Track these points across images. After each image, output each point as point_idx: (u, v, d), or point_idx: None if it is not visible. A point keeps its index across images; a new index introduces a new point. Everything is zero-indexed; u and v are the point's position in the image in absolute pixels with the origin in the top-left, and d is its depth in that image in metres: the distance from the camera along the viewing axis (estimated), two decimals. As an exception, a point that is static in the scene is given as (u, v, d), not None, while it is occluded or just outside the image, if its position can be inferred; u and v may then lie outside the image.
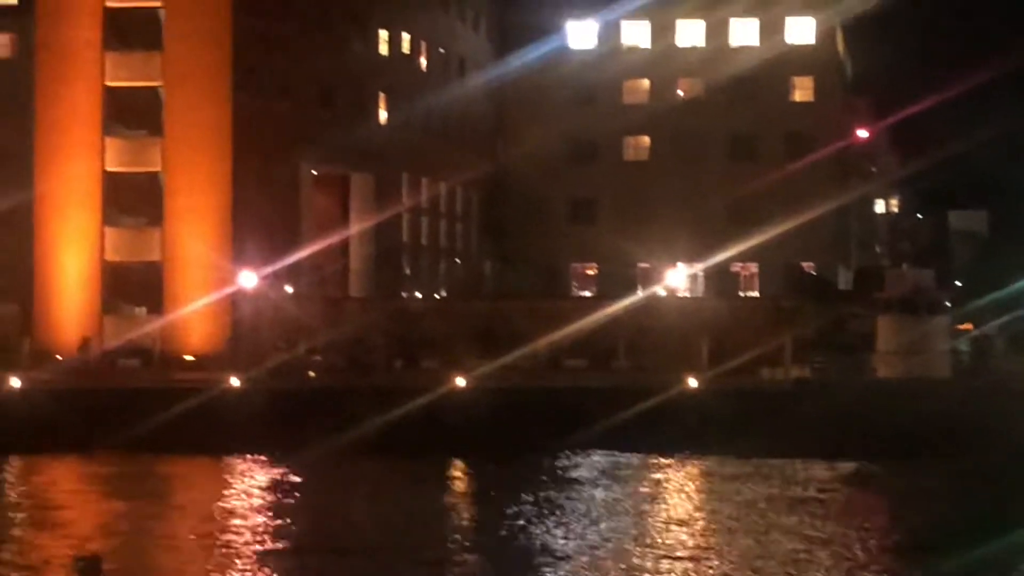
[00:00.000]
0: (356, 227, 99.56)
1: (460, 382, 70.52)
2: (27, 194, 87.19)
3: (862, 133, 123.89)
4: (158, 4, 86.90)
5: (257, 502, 55.03)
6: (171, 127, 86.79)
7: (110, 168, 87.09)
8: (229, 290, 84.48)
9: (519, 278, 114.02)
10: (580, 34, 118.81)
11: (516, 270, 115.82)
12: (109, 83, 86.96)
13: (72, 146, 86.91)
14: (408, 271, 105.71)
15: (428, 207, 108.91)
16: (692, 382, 70.27)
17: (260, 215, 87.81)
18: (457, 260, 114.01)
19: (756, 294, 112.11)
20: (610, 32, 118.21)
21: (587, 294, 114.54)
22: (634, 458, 65.25)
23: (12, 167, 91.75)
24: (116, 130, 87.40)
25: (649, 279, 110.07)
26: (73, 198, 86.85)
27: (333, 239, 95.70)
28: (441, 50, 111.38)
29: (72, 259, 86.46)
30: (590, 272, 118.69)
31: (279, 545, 45.55)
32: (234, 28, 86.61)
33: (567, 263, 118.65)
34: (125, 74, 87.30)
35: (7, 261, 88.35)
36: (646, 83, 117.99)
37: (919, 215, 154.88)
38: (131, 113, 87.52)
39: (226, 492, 57.44)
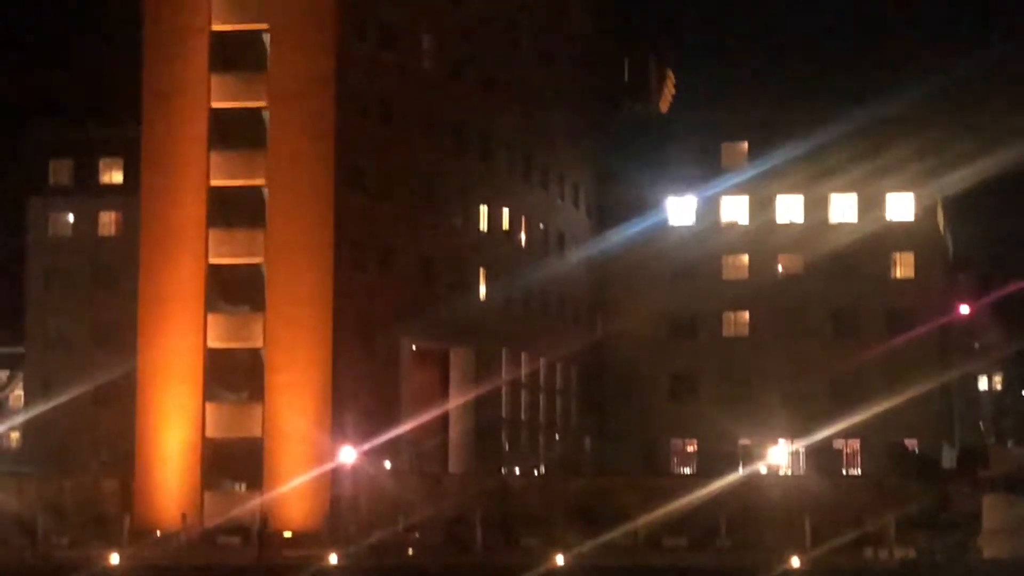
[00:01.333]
0: (455, 402, 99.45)
1: (559, 561, 69.73)
2: (131, 369, 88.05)
3: (964, 309, 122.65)
4: (261, 183, 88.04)
5: None
6: (273, 303, 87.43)
7: (212, 344, 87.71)
8: (329, 466, 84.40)
9: (618, 454, 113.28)
10: (679, 210, 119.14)
11: (615, 446, 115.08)
12: (213, 260, 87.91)
13: (175, 322, 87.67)
14: (507, 446, 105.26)
15: (527, 382, 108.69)
16: (795, 562, 69.07)
17: (360, 390, 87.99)
18: (556, 436, 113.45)
19: (859, 472, 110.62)
20: (709, 208, 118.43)
21: (687, 471, 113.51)
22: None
23: (116, 342, 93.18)
24: (219, 306, 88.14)
25: (750, 456, 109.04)
26: (175, 373, 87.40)
27: (432, 414, 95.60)
28: (541, 225, 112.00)
29: (173, 434, 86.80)
30: (690, 448, 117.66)
31: None
32: (337, 205, 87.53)
33: (667, 439, 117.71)
34: (228, 251, 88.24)
35: (110, 436, 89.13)
36: (746, 258, 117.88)
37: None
38: (234, 289, 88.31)
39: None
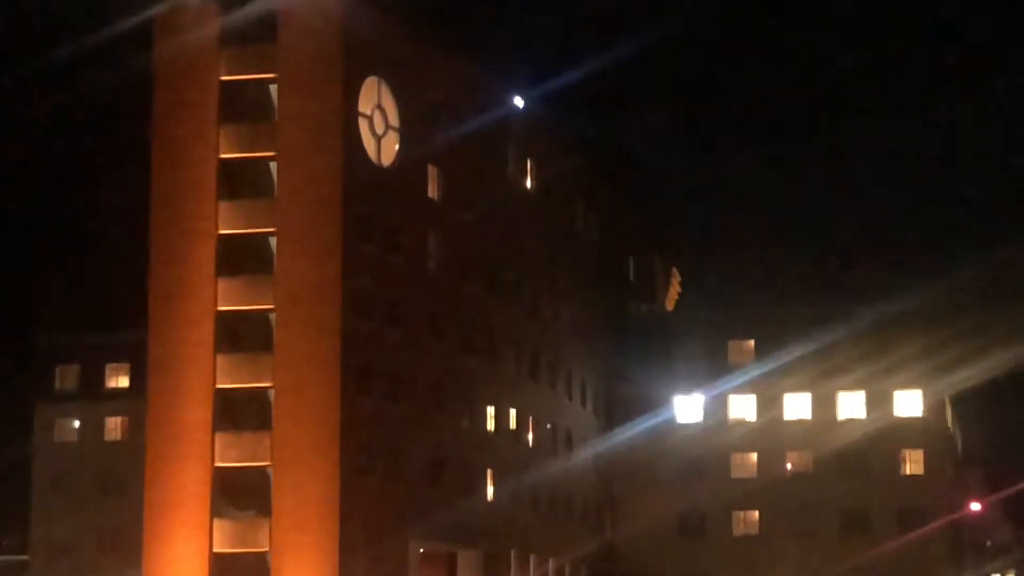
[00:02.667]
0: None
1: None
2: (136, 575, 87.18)
3: (975, 506, 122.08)
4: (268, 385, 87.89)
5: None
6: (278, 507, 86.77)
7: (218, 549, 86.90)
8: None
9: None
10: (687, 407, 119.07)
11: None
12: (219, 463, 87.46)
13: (180, 527, 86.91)
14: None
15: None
16: None
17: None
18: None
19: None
20: (717, 405, 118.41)
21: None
22: None
23: (122, 548, 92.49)
24: (225, 510, 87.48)
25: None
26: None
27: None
28: (548, 424, 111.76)
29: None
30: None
31: None
32: (343, 407, 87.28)
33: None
34: (235, 454, 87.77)
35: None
36: (754, 456, 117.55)
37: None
38: (240, 493, 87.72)
39: None
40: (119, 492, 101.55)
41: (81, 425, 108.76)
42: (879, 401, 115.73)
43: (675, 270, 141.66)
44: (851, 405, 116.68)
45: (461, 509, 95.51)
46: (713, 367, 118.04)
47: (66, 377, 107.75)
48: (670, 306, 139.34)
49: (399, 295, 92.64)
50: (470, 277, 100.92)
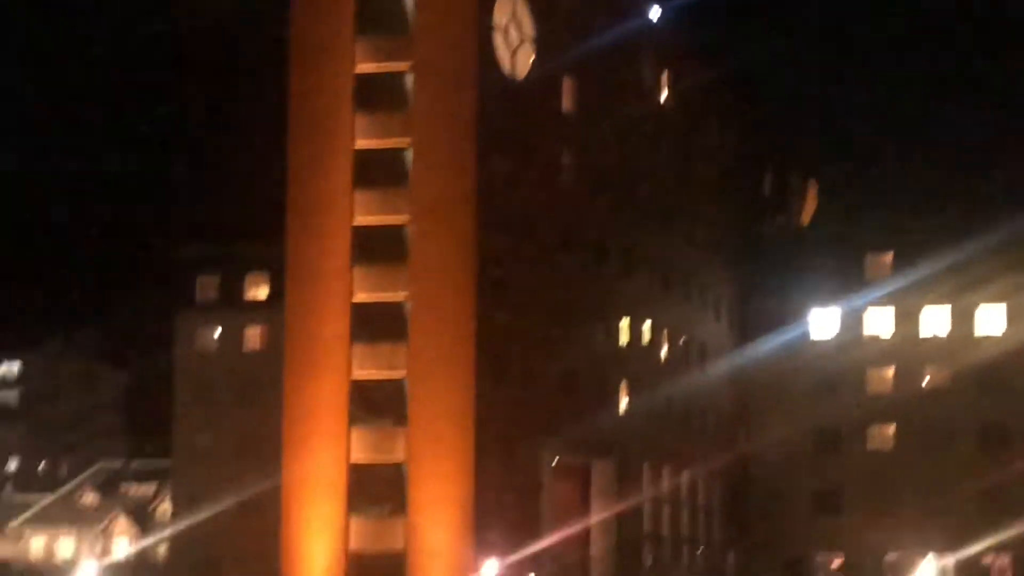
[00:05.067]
0: (597, 516, 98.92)
1: None
2: (275, 482, 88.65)
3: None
4: (403, 298, 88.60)
5: None
6: (415, 417, 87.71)
7: (355, 458, 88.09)
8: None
9: (763, 569, 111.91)
10: (822, 323, 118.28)
11: (759, 561, 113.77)
12: (356, 375, 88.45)
13: (319, 436, 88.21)
14: (650, 561, 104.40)
15: (669, 496, 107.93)
16: None
17: (502, 504, 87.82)
18: (699, 550, 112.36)
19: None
20: (852, 320, 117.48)
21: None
22: None
23: (261, 456, 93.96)
24: (362, 420, 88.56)
25: (898, 571, 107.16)
26: (319, 487, 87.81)
27: (574, 528, 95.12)
28: (682, 338, 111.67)
29: (318, 548, 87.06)
30: (836, 563, 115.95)
31: None
32: (478, 320, 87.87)
33: (812, 553, 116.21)
34: (371, 366, 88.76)
35: (256, 548, 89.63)
36: (890, 372, 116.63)
37: None
38: (376, 403, 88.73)
39: None
40: (258, 401, 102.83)
41: (221, 335, 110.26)
42: (1021, 314, 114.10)
43: (811, 184, 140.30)
44: (992, 319, 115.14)
45: (595, 421, 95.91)
46: (849, 281, 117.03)
47: (206, 287, 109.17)
48: (806, 220, 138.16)
49: (533, 209, 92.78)
50: (604, 191, 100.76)
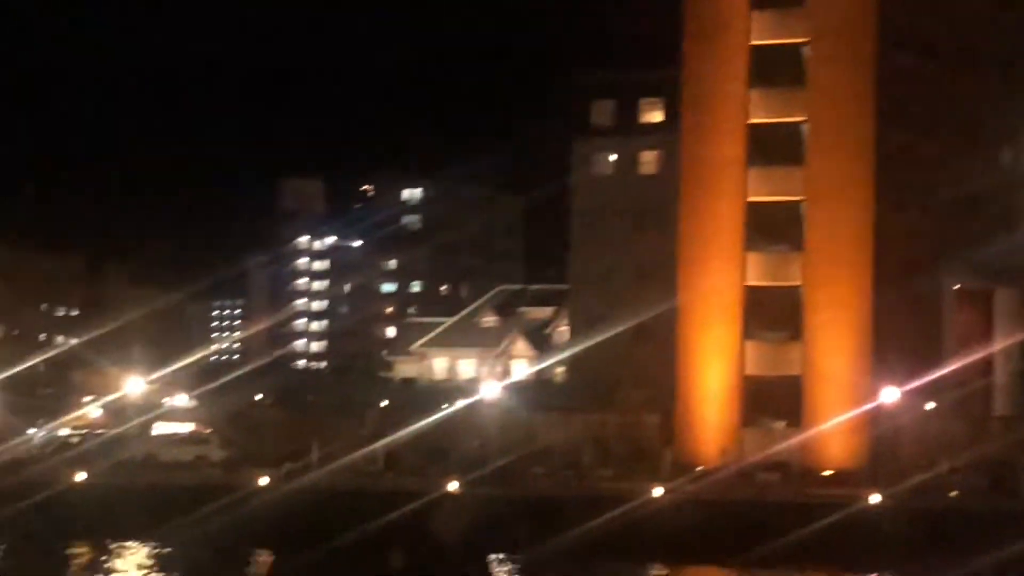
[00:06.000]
0: (1000, 343, 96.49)
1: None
2: (670, 305, 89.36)
3: None
4: (799, 120, 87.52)
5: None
6: (811, 241, 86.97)
7: (750, 282, 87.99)
8: (869, 406, 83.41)
9: None
10: None
11: None
12: (751, 198, 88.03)
13: (714, 260, 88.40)
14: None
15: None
16: None
17: (899, 330, 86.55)
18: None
19: None
20: None
21: None
22: None
23: (655, 279, 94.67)
24: (757, 244, 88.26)
25: None
26: (714, 311, 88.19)
27: (975, 355, 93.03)
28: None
29: (713, 371, 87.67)
30: None
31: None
32: (876, 141, 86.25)
33: None
34: (766, 189, 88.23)
35: (652, 372, 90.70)
36: None
37: None
38: (771, 228, 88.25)
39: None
40: (653, 224, 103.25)
41: (616, 160, 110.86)
42: None
43: None
44: None
45: (998, 247, 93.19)
46: None
47: (602, 112, 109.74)
48: None
49: (934, 25, 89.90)
50: (1011, 5, 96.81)
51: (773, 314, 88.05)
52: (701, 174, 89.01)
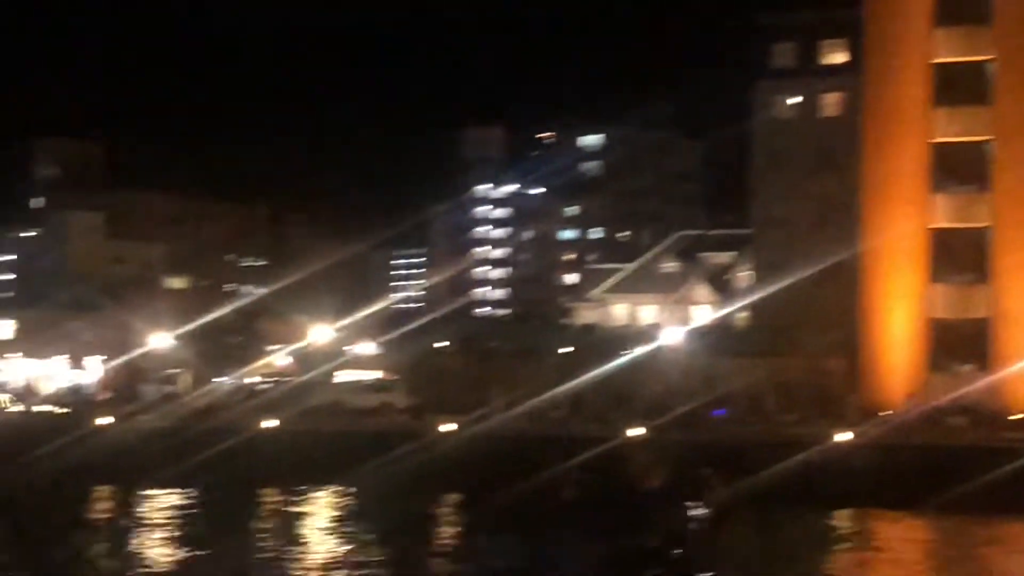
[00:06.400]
0: None
1: None
2: (853, 249, 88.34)
3: None
4: (986, 58, 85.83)
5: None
6: (1000, 182, 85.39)
7: (936, 224, 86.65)
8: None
9: None
10: None
11: None
12: (936, 139, 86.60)
13: (898, 202, 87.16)
14: None
15: None
16: None
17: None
18: None
19: None
20: None
21: None
22: None
23: (839, 222, 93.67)
24: (943, 186, 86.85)
25: None
26: (899, 254, 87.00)
27: None
28: None
29: (898, 315, 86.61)
30: None
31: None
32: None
33: None
34: (953, 130, 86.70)
35: (835, 316, 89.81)
36: None
37: None
38: (958, 168, 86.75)
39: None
40: (835, 167, 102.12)
41: (797, 102, 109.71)
42: None
43: None
44: None
45: None
46: None
47: (784, 54, 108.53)
48: None
49: None
50: None
51: (960, 256, 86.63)
52: (885, 115, 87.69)
